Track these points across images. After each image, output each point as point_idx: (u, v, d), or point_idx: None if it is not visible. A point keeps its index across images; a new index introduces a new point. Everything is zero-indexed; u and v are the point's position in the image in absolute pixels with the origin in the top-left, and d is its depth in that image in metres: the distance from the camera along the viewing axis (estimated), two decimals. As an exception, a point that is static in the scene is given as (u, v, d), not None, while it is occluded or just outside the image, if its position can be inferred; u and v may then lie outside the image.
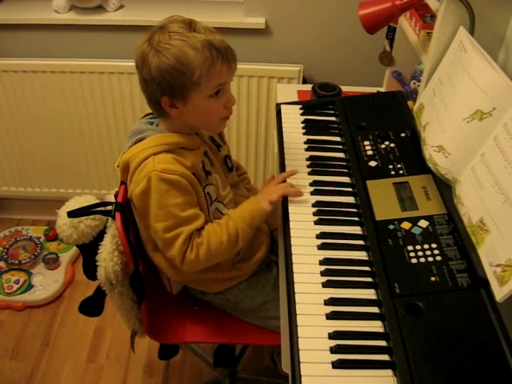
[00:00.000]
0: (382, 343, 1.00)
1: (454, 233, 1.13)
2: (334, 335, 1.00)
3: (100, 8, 2.18)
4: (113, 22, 2.16)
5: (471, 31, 1.29)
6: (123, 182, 1.34)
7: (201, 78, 1.17)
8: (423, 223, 1.17)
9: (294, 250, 1.18)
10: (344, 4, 2.06)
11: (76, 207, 1.34)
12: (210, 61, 1.17)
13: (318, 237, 1.21)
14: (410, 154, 1.36)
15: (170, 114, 1.24)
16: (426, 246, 1.12)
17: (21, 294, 2.31)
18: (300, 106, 1.65)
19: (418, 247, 1.12)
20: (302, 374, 0.94)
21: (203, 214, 1.29)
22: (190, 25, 1.19)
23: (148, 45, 1.19)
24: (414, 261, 1.10)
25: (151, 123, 1.33)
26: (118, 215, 1.29)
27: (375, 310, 1.06)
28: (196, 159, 1.29)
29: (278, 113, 1.63)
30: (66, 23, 2.17)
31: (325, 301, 1.07)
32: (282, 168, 1.41)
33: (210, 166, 1.34)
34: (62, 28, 2.18)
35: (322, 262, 1.14)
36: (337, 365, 0.96)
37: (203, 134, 1.36)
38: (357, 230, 1.23)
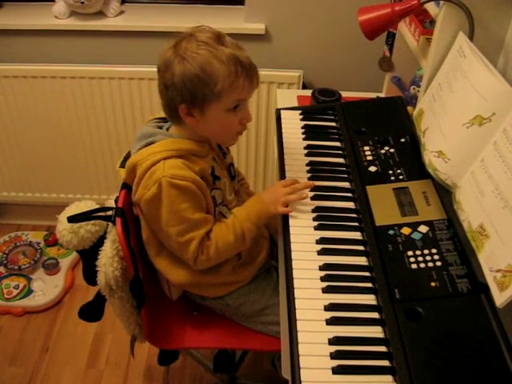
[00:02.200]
0: (382, 349, 0.99)
1: (453, 238, 1.13)
2: (334, 341, 1.00)
3: (100, 14, 2.18)
4: (113, 28, 2.17)
5: (470, 37, 1.29)
6: (125, 185, 1.34)
7: (223, 90, 1.18)
8: (423, 228, 1.17)
9: (293, 255, 1.18)
10: (344, 10, 2.07)
11: (76, 212, 1.34)
12: (234, 75, 1.18)
13: (318, 242, 1.21)
14: (409, 160, 1.36)
15: (185, 121, 1.25)
16: (425, 252, 1.12)
17: (20, 299, 2.30)
18: (300, 112, 1.65)
19: (417, 252, 1.12)
20: (302, 379, 0.94)
21: (212, 218, 1.31)
22: (219, 37, 1.20)
23: (174, 51, 1.19)
24: (414, 266, 1.10)
25: (160, 127, 1.34)
26: (118, 220, 1.29)
27: (375, 315, 1.05)
28: (205, 165, 1.29)
29: (278, 118, 1.63)
30: (66, 29, 2.18)
31: (325, 306, 1.07)
32: (282, 173, 1.41)
33: (220, 171, 1.35)
34: (63, 34, 2.19)
35: (321, 268, 1.14)
36: (337, 370, 0.96)
37: (211, 141, 1.36)
38: (357, 235, 1.23)
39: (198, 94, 1.18)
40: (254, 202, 1.35)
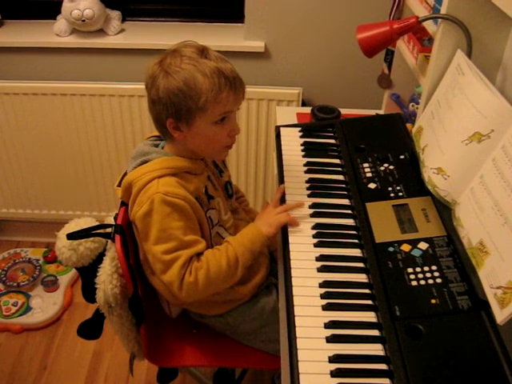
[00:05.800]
0: (383, 366, 0.99)
1: (453, 255, 1.13)
2: (334, 358, 0.99)
3: (101, 31, 2.20)
4: (114, 46, 2.18)
5: (469, 54, 1.30)
6: (123, 203, 1.34)
7: (207, 103, 1.18)
8: (423, 245, 1.17)
9: (293, 272, 1.18)
10: (343, 28, 2.09)
11: (75, 229, 1.34)
12: (217, 87, 1.18)
13: (318, 259, 1.20)
14: (409, 176, 1.36)
15: (173, 136, 1.25)
16: (426, 269, 1.11)
17: (19, 316, 2.29)
18: (299, 129, 1.65)
19: (418, 269, 1.12)
20: (302, 398, 0.93)
21: (204, 241, 1.28)
22: (203, 51, 1.21)
23: (159, 66, 1.21)
24: (414, 283, 1.09)
25: (156, 145, 1.34)
26: (117, 238, 1.29)
27: (375, 332, 1.05)
28: (200, 184, 1.29)
29: (278, 135, 1.63)
30: (67, 46, 2.19)
31: (325, 324, 1.06)
32: (282, 190, 1.41)
33: (213, 191, 1.35)
34: (63, 51, 2.20)
35: (321, 285, 1.14)
36: (337, 389, 0.95)
37: (206, 159, 1.36)
38: (356, 252, 1.23)
39: (182, 108, 1.19)
40: (247, 227, 1.35)
